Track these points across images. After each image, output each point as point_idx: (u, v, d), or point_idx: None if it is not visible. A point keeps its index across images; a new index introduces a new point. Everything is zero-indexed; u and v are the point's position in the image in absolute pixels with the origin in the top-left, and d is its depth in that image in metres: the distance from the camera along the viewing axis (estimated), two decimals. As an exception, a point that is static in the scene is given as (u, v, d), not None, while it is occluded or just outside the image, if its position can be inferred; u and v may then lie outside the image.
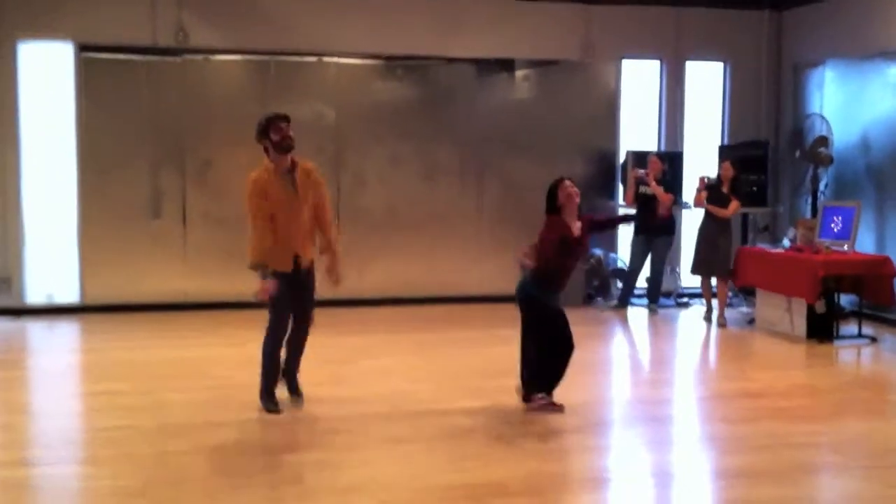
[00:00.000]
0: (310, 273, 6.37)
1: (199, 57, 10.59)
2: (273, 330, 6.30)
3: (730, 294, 10.77)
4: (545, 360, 6.35)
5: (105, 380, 7.47)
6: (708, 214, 10.16)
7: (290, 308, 6.30)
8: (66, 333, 9.71)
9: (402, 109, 11.07)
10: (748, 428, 6.22)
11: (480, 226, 11.34)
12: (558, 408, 6.35)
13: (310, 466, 5.38)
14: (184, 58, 10.53)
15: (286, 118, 6.18)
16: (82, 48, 10.26)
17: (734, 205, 10.06)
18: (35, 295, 10.38)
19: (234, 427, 6.06)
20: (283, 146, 6.11)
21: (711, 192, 10.15)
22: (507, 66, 11.33)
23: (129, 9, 10.37)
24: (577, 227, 6.33)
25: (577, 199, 6.32)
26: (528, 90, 11.45)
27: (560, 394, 6.42)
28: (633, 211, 10.81)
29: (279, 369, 6.44)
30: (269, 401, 6.34)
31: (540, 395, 6.39)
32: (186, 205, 10.52)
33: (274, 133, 6.08)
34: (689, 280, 11.59)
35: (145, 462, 5.37)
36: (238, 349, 8.29)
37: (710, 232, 10.13)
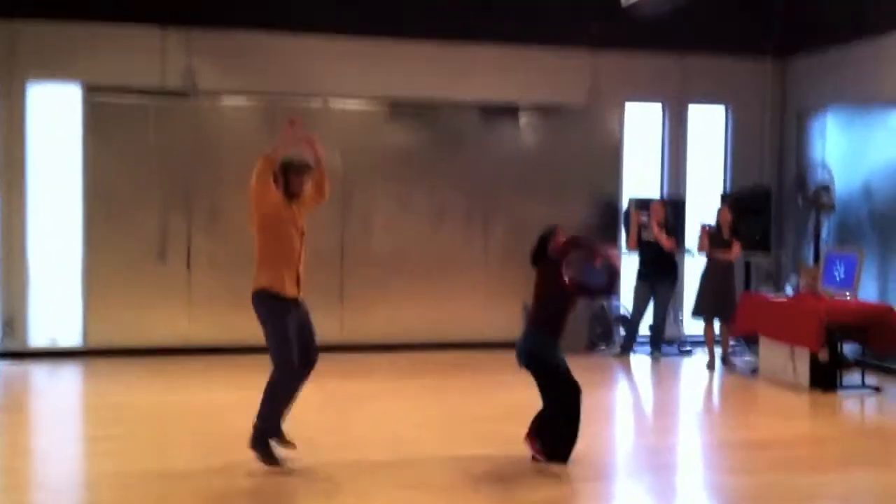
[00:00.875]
0: (305, 306, 6.25)
1: (207, 100, 10.67)
2: (283, 367, 6.01)
3: (732, 342, 10.77)
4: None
5: (107, 424, 7.45)
6: (711, 260, 10.29)
7: (294, 336, 6.07)
8: (69, 377, 9.69)
9: (407, 153, 11.13)
10: (753, 478, 6.19)
11: (487, 270, 11.35)
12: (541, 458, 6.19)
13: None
14: (191, 100, 10.61)
15: (307, 170, 6.26)
16: (90, 89, 10.34)
17: (736, 247, 10.26)
18: (38, 338, 10.36)
19: (237, 473, 6.02)
20: (291, 197, 6.19)
21: (713, 238, 10.26)
22: (511, 110, 11.41)
23: (137, 51, 10.44)
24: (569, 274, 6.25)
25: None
26: (533, 134, 11.51)
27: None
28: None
29: (283, 410, 6.20)
30: (267, 451, 6.11)
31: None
32: (192, 248, 10.55)
33: (287, 185, 6.15)
34: (693, 328, 11.59)
35: (148, 509, 5.35)
36: (241, 394, 8.23)
37: (715, 276, 10.24)
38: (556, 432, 6.10)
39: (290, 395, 6.14)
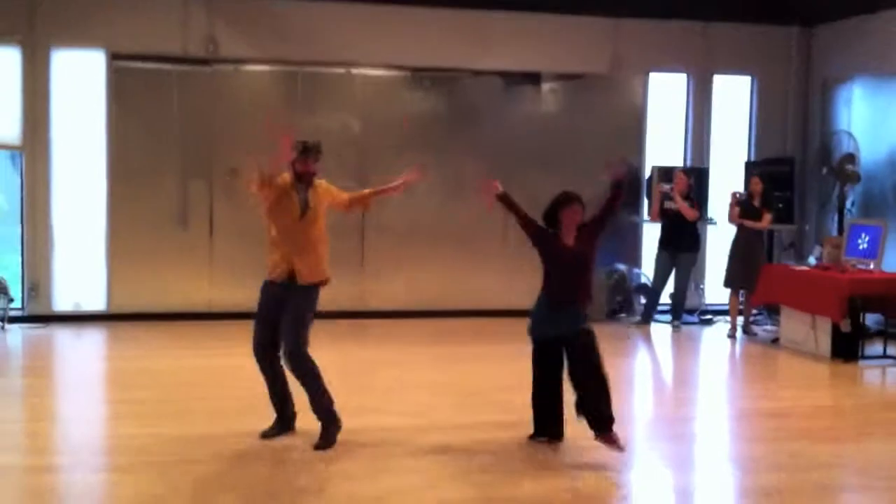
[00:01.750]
0: (303, 292, 6.00)
1: (229, 67, 10.69)
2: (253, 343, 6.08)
3: (754, 311, 10.75)
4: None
5: (130, 388, 7.53)
6: (741, 230, 10.27)
7: (271, 321, 5.96)
8: (93, 341, 9.80)
9: (428, 122, 11.11)
10: (772, 447, 6.19)
11: (505, 240, 11.32)
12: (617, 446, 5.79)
13: (331, 477, 5.40)
14: (213, 67, 10.63)
15: (319, 151, 6.07)
16: (114, 57, 10.38)
17: (767, 217, 10.25)
18: (63, 302, 10.47)
19: (257, 437, 6.08)
20: (302, 179, 6.03)
21: (743, 207, 10.23)
22: (533, 79, 11.36)
23: (160, 19, 10.46)
24: (571, 237, 6.00)
25: (578, 221, 6.00)
26: (555, 104, 11.47)
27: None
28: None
29: (268, 388, 6.14)
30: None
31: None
32: (213, 215, 10.60)
33: (299, 164, 5.99)
34: (713, 297, 11.56)
35: (168, 470, 5.41)
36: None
37: (745, 246, 10.23)
38: (598, 401, 5.76)
39: (262, 373, 6.08)
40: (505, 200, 6.34)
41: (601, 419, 5.72)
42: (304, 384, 6.01)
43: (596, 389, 5.73)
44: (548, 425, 6.05)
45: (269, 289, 6.04)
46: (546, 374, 6.03)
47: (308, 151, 6.01)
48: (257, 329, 6.05)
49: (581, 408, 5.78)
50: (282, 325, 5.95)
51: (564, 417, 6.01)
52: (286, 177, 6.05)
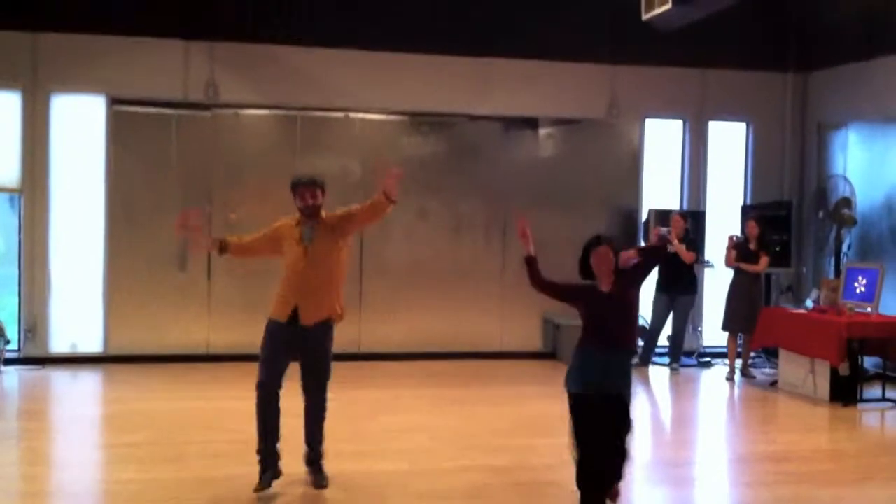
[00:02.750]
0: (317, 334, 5.91)
1: (229, 111, 10.76)
2: (258, 383, 5.91)
3: (753, 354, 10.76)
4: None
5: (127, 431, 7.49)
6: (738, 273, 10.33)
7: (278, 364, 5.86)
8: (89, 384, 9.77)
9: (427, 165, 11.17)
10: (771, 492, 6.16)
11: (504, 282, 11.36)
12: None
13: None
14: (213, 112, 10.70)
15: (311, 183, 5.95)
16: (114, 101, 10.45)
17: (764, 260, 10.29)
18: (59, 344, 10.45)
19: (254, 481, 6.04)
20: (305, 213, 5.94)
21: (740, 250, 10.29)
22: (531, 124, 11.44)
23: (161, 64, 10.54)
24: (608, 282, 5.44)
25: (611, 261, 5.42)
26: (553, 148, 11.55)
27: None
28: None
29: (263, 431, 5.89)
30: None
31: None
32: (212, 258, 10.62)
33: (297, 200, 5.93)
34: (711, 339, 11.56)
35: (165, 515, 5.38)
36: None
37: (743, 289, 10.30)
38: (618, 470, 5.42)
39: (261, 415, 5.88)
40: (531, 265, 5.87)
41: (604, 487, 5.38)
42: (319, 419, 5.99)
43: (617, 462, 5.34)
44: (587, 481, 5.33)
45: (273, 328, 5.89)
46: (594, 430, 5.28)
47: (297, 186, 5.92)
48: (263, 369, 5.87)
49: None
50: (305, 367, 5.89)
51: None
52: (287, 220, 6.02)
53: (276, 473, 5.91)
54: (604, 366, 5.30)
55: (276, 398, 5.90)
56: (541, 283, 5.72)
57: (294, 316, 5.86)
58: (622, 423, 5.31)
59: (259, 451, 5.88)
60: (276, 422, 5.93)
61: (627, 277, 5.47)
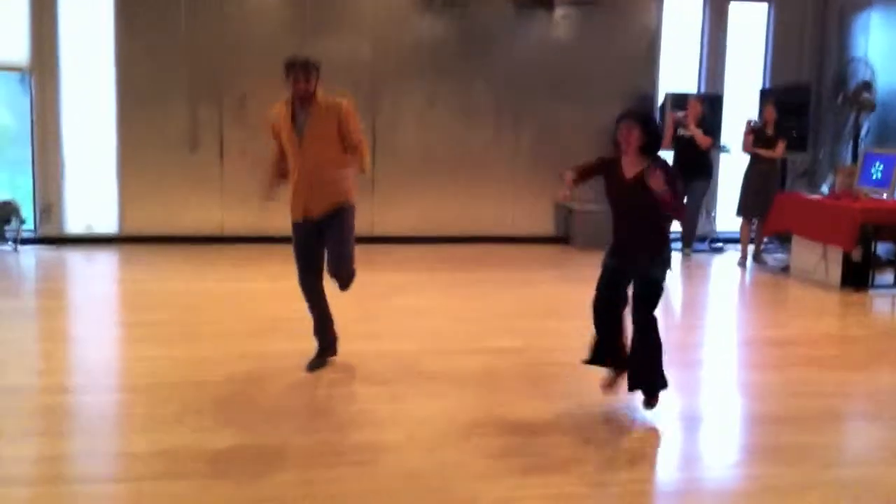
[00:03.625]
0: (333, 223, 5.75)
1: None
2: (298, 281, 5.92)
3: (765, 240, 10.75)
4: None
5: (142, 310, 7.60)
6: (755, 158, 10.22)
7: (309, 260, 5.82)
8: (105, 263, 9.86)
9: (438, 48, 11.00)
10: (779, 375, 6.22)
11: (516, 166, 11.31)
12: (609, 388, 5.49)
13: (340, 398, 5.46)
14: (223, -10, 10.51)
15: (304, 65, 5.59)
16: (121, -21, 10.27)
17: (781, 145, 10.19)
18: (75, 224, 10.52)
19: (269, 359, 6.14)
20: (297, 96, 5.63)
21: (757, 134, 10.17)
22: (546, 3, 11.18)
23: (168, -61, 10.32)
24: (633, 170, 5.12)
25: (636, 138, 5.07)
26: (567, 29, 11.32)
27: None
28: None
29: (316, 314, 5.99)
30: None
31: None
32: (224, 138, 10.57)
33: (290, 83, 5.59)
34: (724, 225, 11.54)
35: (181, 391, 5.48)
36: (273, 283, 8.41)
37: (759, 175, 10.22)
38: (651, 361, 5.30)
39: (310, 308, 5.95)
40: (581, 180, 5.43)
41: (645, 384, 5.32)
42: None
43: (642, 353, 5.26)
44: (603, 353, 5.41)
45: (296, 229, 5.81)
46: (604, 299, 5.30)
47: (290, 69, 5.59)
48: (299, 267, 5.85)
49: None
50: (329, 255, 5.77)
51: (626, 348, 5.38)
52: (280, 105, 5.75)
53: (327, 355, 6.04)
54: (625, 260, 5.20)
55: (321, 289, 5.92)
56: (586, 170, 5.43)
57: (307, 212, 5.74)
58: (642, 309, 5.18)
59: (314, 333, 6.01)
60: (324, 310, 5.98)
61: (655, 175, 4.88)
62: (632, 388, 5.33)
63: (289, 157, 5.77)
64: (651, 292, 5.19)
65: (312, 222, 5.76)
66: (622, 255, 5.21)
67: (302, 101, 5.65)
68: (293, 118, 5.69)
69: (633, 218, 5.15)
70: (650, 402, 5.35)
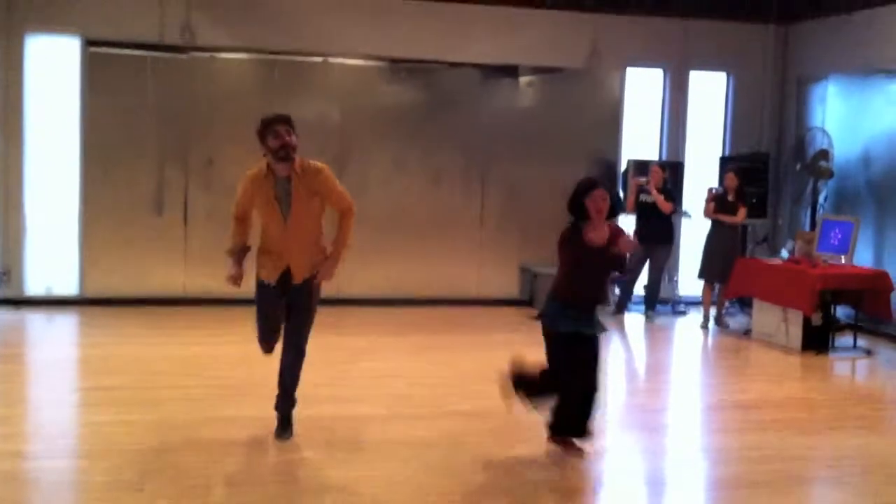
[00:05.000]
0: (306, 289, 5.68)
1: (206, 55, 10.62)
2: (259, 340, 5.87)
3: (727, 304, 10.86)
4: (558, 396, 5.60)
5: (103, 374, 7.50)
6: (716, 224, 10.38)
7: (273, 323, 5.73)
8: (65, 326, 9.74)
9: (406, 112, 11.12)
10: (742, 439, 6.26)
11: (482, 230, 11.39)
12: (576, 451, 5.71)
13: (305, 465, 5.41)
14: (190, 55, 10.57)
15: (286, 120, 5.44)
16: (89, 43, 10.29)
17: (742, 211, 10.36)
18: (35, 287, 10.40)
19: (231, 424, 6.08)
20: (280, 155, 5.39)
21: (719, 202, 10.34)
22: (511, 72, 11.37)
23: (137, 5, 10.38)
24: (601, 235, 5.49)
25: (607, 205, 5.46)
26: (532, 97, 11.50)
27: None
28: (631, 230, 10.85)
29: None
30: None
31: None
32: (188, 201, 10.56)
33: (272, 139, 5.36)
34: (687, 288, 11.65)
35: (143, 457, 5.40)
36: (236, 346, 8.34)
37: (720, 240, 10.38)
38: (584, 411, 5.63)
39: (267, 353, 5.93)
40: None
41: (576, 428, 5.62)
42: (293, 376, 5.80)
43: (586, 399, 5.60)
44: (573, 423, 5.64)
45: (264, 290, 5.69)
46: (576, 365, 5.55)
47: (270, 125, 5.36)
48: (263, 328, 5.77)
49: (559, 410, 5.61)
50: (290, 322, 5.69)
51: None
52: (259, 177, 5.49)
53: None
54: (578, 315, 5.55)
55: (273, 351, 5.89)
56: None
57: (286, 277, 5.63)
58: (593, 364, 5.63)
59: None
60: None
61: (615, 239, 5.48)
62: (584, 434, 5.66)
63: (265, 224, 5.64)
64: (598, 352, 5.68)
65: (287, 286, 5.64)
66: (576, 309, 5.53)
67: (281, 160, 5.42)
68: (276, 196, 5.50)
69: (593, 276, 5.55)
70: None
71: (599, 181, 5.54)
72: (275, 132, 5.37)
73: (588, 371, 5.59)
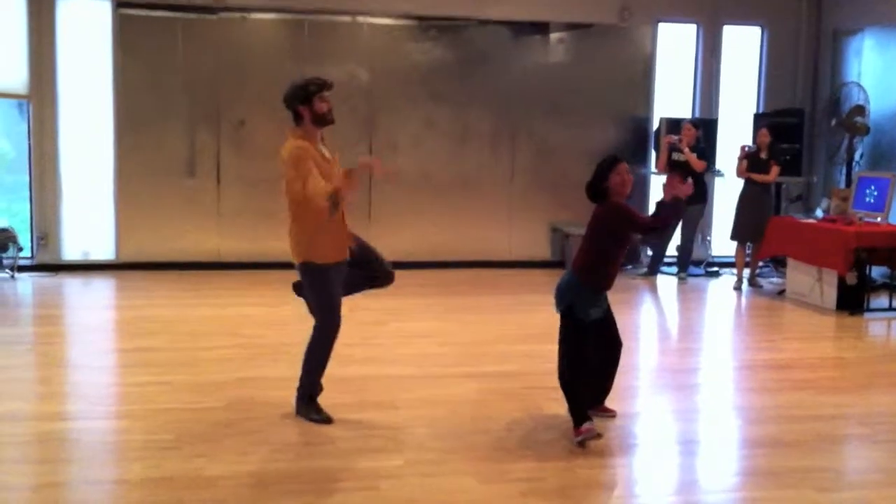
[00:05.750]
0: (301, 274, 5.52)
1: (235, 15, 10.61)
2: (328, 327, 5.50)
3: (760, 264, 10.79)
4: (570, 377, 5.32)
5: (139, 336, 7.60)
6: (749, 182, 10.25)
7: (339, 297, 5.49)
8: (102, 290, 9.86)
9: (435, 71, 11.07)
10: (775, 398, 6.24)
11: (512, 190, 11.36)
12: (608, 412, 5.68)
13: (339, 425, 5.44)
14: (220, 16, 10.56)
15: (331, 86, 5.31)
16: (120, 4, 10.32)
17: (775, 169, 10.20)
18: (71, 251, 10.53)
19: (265, 384, 6.15)
20: (329, 119, 5.29)
21: (751, 159, 10.22)
22: (541, 29, 11.28)
23: (166, -34, 10.40)
24: None
25: (630, 182, 5.28)
26: (563, 54, 11.40)
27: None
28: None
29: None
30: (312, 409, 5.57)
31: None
32: (220, 164, 10.61)
33: (320, 103, 5.23)
34: (720, 249, 11.58)
35: (178, 417, 5.48)
36: (269, 309, 8.43)
37: (753, 199, 10.25)
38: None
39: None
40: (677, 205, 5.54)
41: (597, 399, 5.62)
42: (306, 351, 5.58)
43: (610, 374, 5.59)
44: (595, 396, 5.57)
45: (336, 270, 5.46)
46: (606, 343, 5.48)
47: (321, 89, 5.23)
48: (337, 308, 5.50)
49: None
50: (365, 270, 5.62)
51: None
52: (306, 144, 5.21)
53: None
54: (602, 299, 5.45)
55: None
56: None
57: (348, 251, 5.50)
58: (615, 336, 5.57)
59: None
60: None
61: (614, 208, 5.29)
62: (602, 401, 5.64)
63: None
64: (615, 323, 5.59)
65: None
66: (604, 293, 5.40)
67: (324, 126, 5.32)
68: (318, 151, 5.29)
69: (620, 255, 5.39)
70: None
71: (621, 157, 5.33)
72: (323, 97, 5.27)
73: (616, 345, 5.53)
